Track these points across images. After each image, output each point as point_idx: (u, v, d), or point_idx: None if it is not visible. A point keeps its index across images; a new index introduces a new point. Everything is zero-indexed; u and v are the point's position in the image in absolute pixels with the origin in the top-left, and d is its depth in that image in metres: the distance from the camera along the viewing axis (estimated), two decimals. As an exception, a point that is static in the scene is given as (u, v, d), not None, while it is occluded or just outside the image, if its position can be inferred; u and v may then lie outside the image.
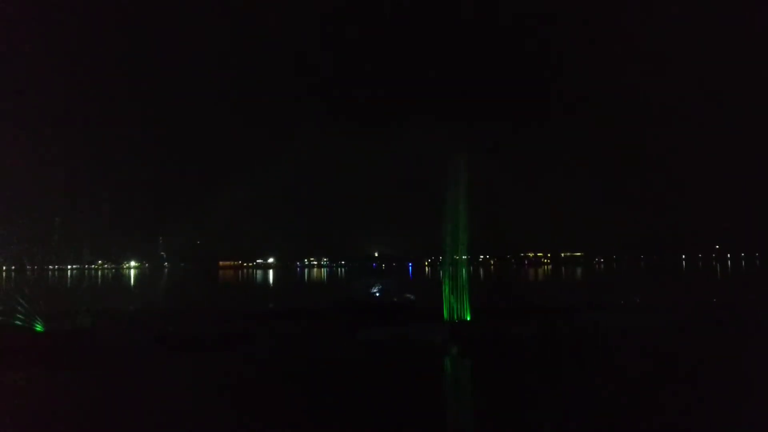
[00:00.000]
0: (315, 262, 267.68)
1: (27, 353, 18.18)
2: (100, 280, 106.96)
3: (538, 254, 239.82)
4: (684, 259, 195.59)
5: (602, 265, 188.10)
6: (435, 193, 24.23)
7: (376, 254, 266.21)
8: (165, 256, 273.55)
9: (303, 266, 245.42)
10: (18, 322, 21.46)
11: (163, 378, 15.86)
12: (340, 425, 10.99)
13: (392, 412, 11.88)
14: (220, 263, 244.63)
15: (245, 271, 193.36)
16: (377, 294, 38.33)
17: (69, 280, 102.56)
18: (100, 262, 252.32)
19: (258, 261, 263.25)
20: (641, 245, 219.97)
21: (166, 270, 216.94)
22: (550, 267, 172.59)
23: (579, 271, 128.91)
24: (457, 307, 23.31)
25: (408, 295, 35.41)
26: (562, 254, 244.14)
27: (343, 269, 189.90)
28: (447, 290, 23.42)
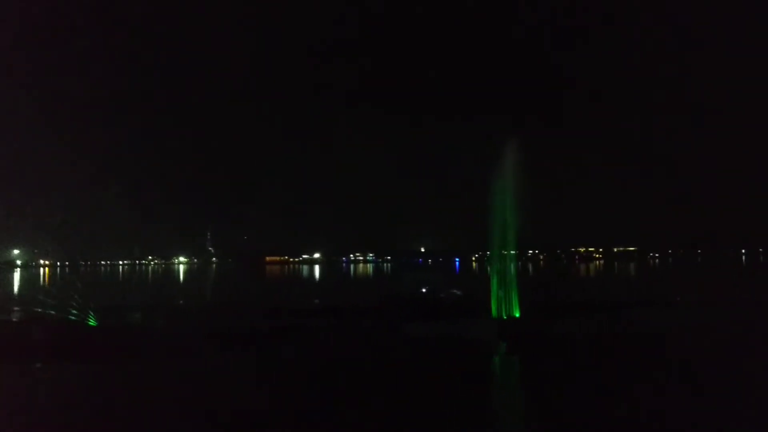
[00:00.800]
0: (360, 258, 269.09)
1: (81, 347, 18.53)
2: (150, 276, 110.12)
3: (590, 249, 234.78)
4: (744, 254, 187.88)
5: (657, 261, 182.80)
6: (483, 187, 23.64)
7: (422, 249, 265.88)
8: (213, 251, 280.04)
9: (348, 261, 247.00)
10: (72, 317, 21.97)
11: (215, 371, 15.92)
12: (389, 420, 10.68)
13: (439, 410, 11.57)
14: (267, 259, 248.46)
15: (291, 266, 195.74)
16: (423, 290, 38.00)
17: (121, 276, 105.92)
18: (150, 257, 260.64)
19: (304, 256, 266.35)
20: (698, 239, 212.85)
21: (214, 265, 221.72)
22: (601, 262, 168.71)
23: (632, 266, 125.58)
24: (505, 303, 22.72)
25: (454, 291, 34.96)
26: (615, 249, 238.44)
27: (388, 265, 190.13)
28: (495, 286, 22.86)
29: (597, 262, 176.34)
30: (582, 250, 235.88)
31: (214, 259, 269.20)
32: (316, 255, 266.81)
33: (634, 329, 20.95)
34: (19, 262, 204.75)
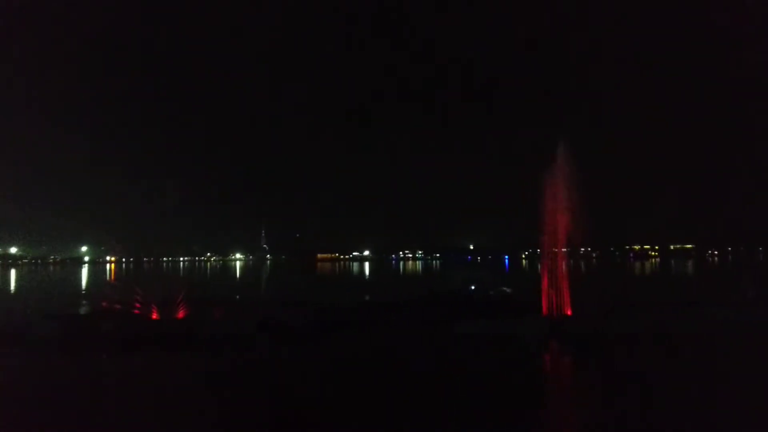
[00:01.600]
0: (410, 255, 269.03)
1: (147, 339, 19.48)
2: (208, 272, 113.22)
3: (645, 246, 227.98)
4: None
5: (716, 258, 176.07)
6: (533, 183, 23.53)
7: (471, 247, 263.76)
8: (267, 249, 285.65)
9: (398, 259, 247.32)
10: (136, 311, 23.05)
11: (267, 362, 16.61)
12: (445, 419, 10.90)
13: (495, 409, 11.67)
14: (318, 256, 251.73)
15: (341, 263, 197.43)
16: (472, 287, 37.97)
17: (181, 271, 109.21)
18: (208, 254, 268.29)
19: (354, 253, 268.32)
20: (760, 237, 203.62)
21: (267, 262, 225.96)
22: (657, 260, 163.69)
23: (690, 264, 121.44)
24: (557, 301, 22.60)
25: (504, 289, 34.83)
26: (671, 246, 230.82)
27: (437, 262, 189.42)
28: (546, 284, 22.75)
29: (652, 260, 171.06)
30: (637, 247, 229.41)
31: (268, 256, 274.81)
32: (366, 252, 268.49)
33: (696, 328, 20.43)
34: (86, 258, 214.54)
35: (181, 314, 23.07)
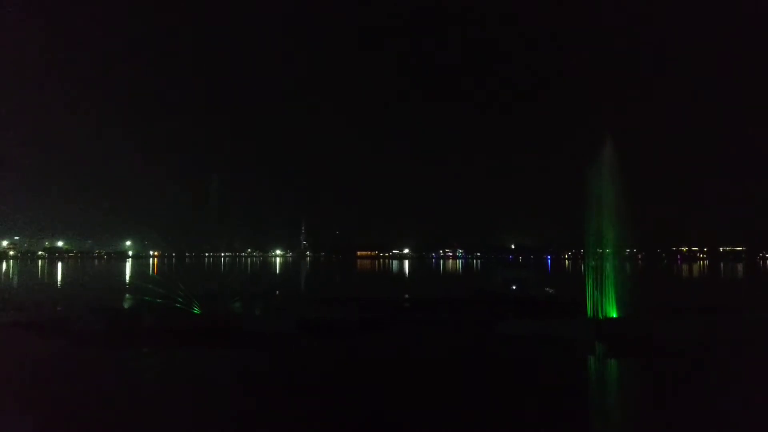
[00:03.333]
0: (450, 253, 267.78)
1: (188, 333, 19.67)
2: (249, 267, 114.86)
3: (693, 249, 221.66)
4: None
5: (767, 261, 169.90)
6: (577, 182, 22.87)
7: (513, 246, 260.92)
8: (307, 245, 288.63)
9: (438, 257, 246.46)
10: (178, 305, 23.32)
11: (306, 358, 16.52)
12: (482, 420, 10.60)
13: (539, 411, 11.30)
14: (358, 253, 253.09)
15: (381, 261, 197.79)
16: (514, 287, 37.35)
17: (222, 267, 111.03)
18: (249, 250, 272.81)
19: (394, 251, 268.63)
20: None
21: (307, 259, 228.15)
22: (706, 262, 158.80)
23: (740, 267, 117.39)
24: (603, 303, 21.92)
25: (547, 289, 34.13)
26: (721, 249, 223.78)
27: (477, 261, 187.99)
28: (591, 285, 22.08)
29: (701, 262, 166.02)
30: (684, 249, 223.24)
31: (307, 252, 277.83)
32: (406, 250, 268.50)
33: (748, 333, 19.54)
34: (130, 253, 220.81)
35: (222, 309, 23.24)
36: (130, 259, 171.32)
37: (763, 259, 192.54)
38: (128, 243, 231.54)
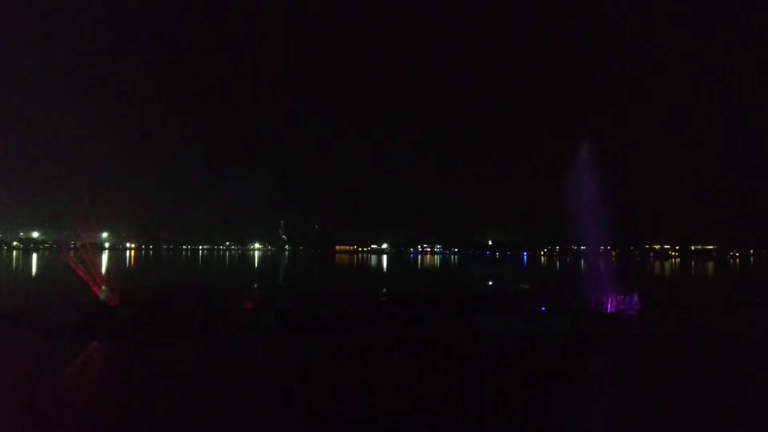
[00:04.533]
0: (428, 249, 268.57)
1: (165, 327, 19.58)
2: (227, 260, 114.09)
3: (665, 246, 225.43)
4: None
5: (737, 260, 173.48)
6: (553, 181, 23.25)
7: (490, 242, 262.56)
8: (286, 239, 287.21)
9: (416, 252, 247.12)
10: (155, 298, 23.20)
11: (285, 353, 16.61)
12: (455, 416, 10.75)
13: (509, 407, 11.51)
14: (337, 247, 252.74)
15: (360, 255, 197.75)
16: (489, 283, 37.67)
17: (200, 259, 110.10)
18: (228, 243, 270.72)
19: (372, 246, 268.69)
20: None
21: (286, 252, 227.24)
22: (678, 261, 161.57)
23: (710, 265, 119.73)
24: (577, 298, 22.31)
25: (523, 285, 34.48)
26: (693, 247, 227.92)
27: (455, 257, 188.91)
28: (567, 281, 22.48)
29: (672, 260, 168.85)
30: (657, 247, 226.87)
31: (286, 246, 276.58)
32: (384, 245, 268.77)
33: (716, 330, 20.06)
34: (107, 245, 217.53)
35: (198, 303, 23.13)
36: (106, 251, 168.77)
37: (734, 257, 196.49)
38: (105, 234, 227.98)
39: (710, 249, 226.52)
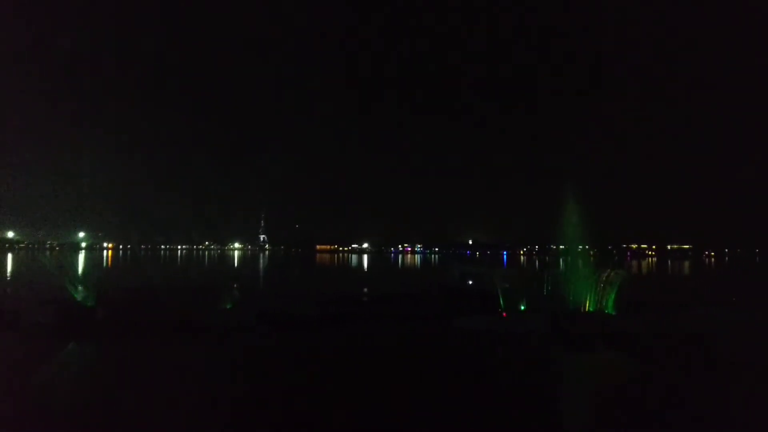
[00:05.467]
0: (408, 249, 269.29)
1: (144, 327, 19.31)
2: (206, 260, 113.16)
3: (642, 246, 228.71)
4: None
5: (712, 259, 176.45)
6: (530, 181, 23.42)
7: (470, 242, 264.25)
8: (266, 239, 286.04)
9: (397, 252, 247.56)
10: (133, 297, 22.90)
11: (265, 354, 16.42)
12: (436, 416, 10.74)
13: (490, 408, 11.52)
14: (318, 247, 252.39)
15: (340, 255, 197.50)
16: (470, 282, 37.79)
17: (179, 259, 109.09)
18: (207, 243, 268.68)
19: (353, 246, 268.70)
20: (758, 238, 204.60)
21: (266, 252, 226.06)
22: (654, 259, 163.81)
23: (687, 264, 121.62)
24: (558, 297, 22.43)
25: (503, 284, 34.59)
26: (669, 246, 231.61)
27: (435, 256, 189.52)
28: (547, 280, 22.64)
29: (649, 259, 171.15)
30: (634, 246, 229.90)
31: (267, 246, 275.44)
32: (365, 245, 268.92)
33: (695, 328, 20.33)
34: (84, 245, 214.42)
35: (176, 303, 22.87)
36: (83, 251, 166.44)
37: (709, 256, 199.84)
38: (81, 234, 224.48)
39: (686, 248, 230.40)
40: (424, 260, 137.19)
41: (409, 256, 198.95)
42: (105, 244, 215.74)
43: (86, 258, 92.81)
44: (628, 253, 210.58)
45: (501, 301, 23.74)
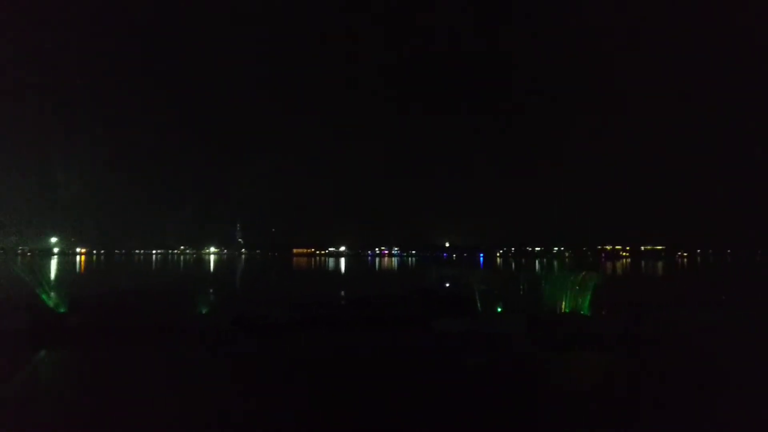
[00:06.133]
0: (386, 251, 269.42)
1: (118, 332, 19.07)
2: (181, 265, 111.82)
3: (617, 247, 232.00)
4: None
5: (685, 260, 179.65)
6: (506, 184, 23.62)
7: (447, 244, 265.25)
8: (242, 243, 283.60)
9: (374, 255, 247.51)
10: (106, 303, 22.58)
11: (240, 359, 16.32)
12: (419, 418, 10.77)
13: (469, 409, 11.59)
14: (294, 251, 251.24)
15: (318, 258, 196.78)
16: (447, 284, 37.91)
17: (153, 264, 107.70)
18: (182, 247, 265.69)
19: (330, 249, 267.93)
20: (729, 240, 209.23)
21: (243, 256, 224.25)
22: (628, 260, 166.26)
23: (660, 265, 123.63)
24: (535, 299, 22.66)
25: (480, 286, 34.78)
26: (642, 247, 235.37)
27: (413, 259, 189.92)
28: (523, 282, 22.84)
29: (623, 260, 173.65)
30: (608, 248, 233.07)
31: (243, 250, 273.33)
32: (342, 248, 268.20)
33: (669, 328, 20.68)
34: (56, 250, 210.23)
35: (149, 308, 22.64)
36: (55, 256, 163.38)
37: (682, 257, 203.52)
38: (54, 239, 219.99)
39: (659, 249, 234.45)
40: (402, 263, 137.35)
41: (386, 259, 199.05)
42: (78, 250, 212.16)
43: (59, 263, 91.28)
44: (603, 255, 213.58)
45: (478, 304, 23.89)
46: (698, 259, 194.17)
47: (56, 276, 61.34)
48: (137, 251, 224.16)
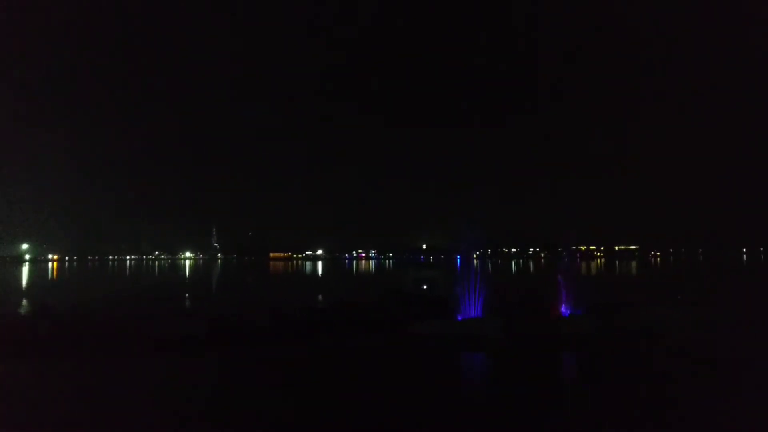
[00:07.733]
0: (363, 254, 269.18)
1: (89, 340, 18.67)
2: (156, 271, 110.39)
3: (591, 247, 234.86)
4: (745, 254, 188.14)
5: (658, 259, 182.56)
6: (484, 185, 23.75)
7: (424, 246, 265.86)
8: (218, 247, 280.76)
9: (351, 258, 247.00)
10: (77, 311, 22.19)
11: (218, 365, 16.18)
12: (395, 417, 10.77)
13: (445, 408, 11.61)
14: (271, 255, 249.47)
15: (295, 262, 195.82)
16: (424, 287, 38.00)
17: (127, 270, 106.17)
18: (157, 252, 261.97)
19: (307, 253, 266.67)
20: (701, 239, 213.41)
21: (219, 261, 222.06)
22: (602, 260, 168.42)
23: (633, 264, 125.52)
24: (511, 301, 22.80)
25: (457, 288, 34.90)
26: (616, 247, 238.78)
27: (390, 261, 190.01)
28: (501, 284, 22.93)
29: (598, 260, 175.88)
30: (583, 248, 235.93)
31: (219, 255, 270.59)
32: (319, 252, 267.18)
33: (643, 327, 20.99)
34: (27, 257, 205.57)
35: (128, 314, 22.32)
36: (26, 264, 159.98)
37: (655, 256, 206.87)
38: (24, 246, 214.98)
39: (633, 249, 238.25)
40: (379, 266, 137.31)
41: (363, 262, 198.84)
42: (50, 256, 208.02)
43: (30, 270, 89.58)
44: (578, 255, 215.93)
45: (455, 305, 23.98)
46: (671, 258, 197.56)
47: (26, 283, 60.16)
48: (111, 257, 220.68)
